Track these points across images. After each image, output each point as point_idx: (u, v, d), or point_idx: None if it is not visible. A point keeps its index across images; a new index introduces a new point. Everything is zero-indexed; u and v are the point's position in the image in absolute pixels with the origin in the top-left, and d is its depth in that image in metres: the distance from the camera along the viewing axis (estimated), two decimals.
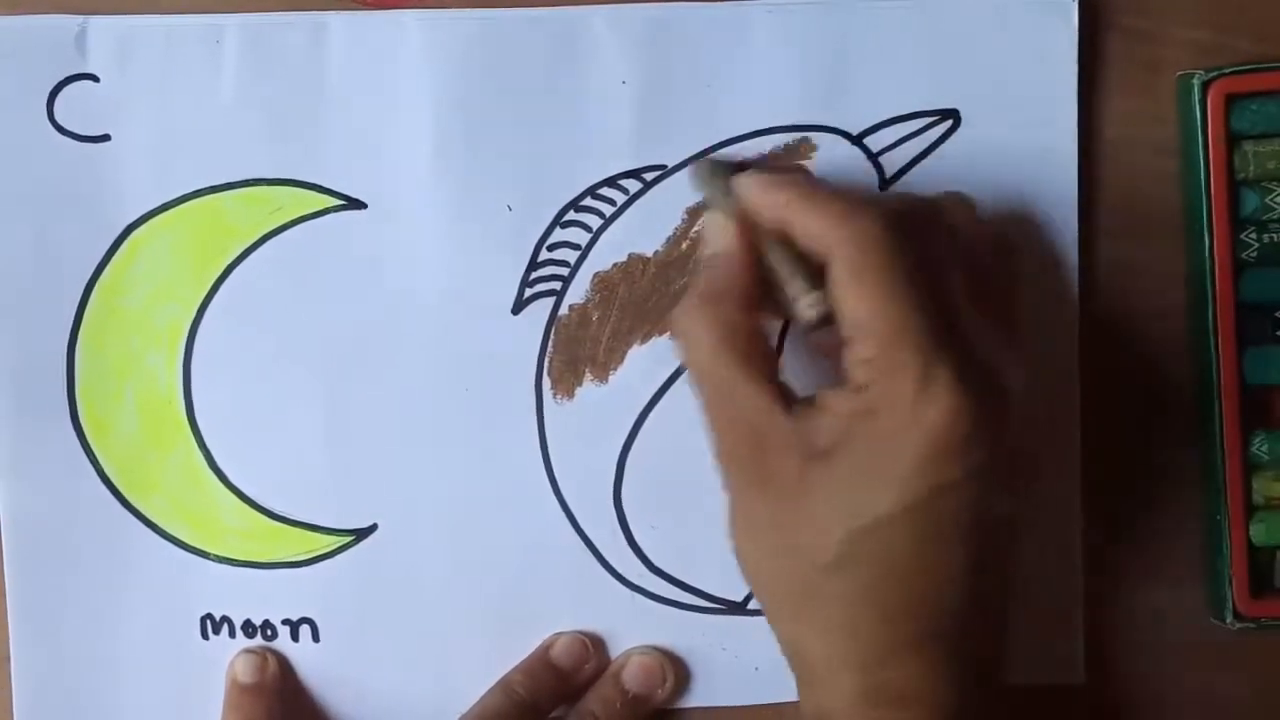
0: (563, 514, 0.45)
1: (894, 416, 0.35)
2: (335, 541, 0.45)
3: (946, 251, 0.38)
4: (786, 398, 0.37)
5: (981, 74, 0.44)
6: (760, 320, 0.38)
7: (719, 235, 0.38)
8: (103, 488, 0.44)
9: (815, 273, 0.37)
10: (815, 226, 0.36)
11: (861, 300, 0.35)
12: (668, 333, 0.44)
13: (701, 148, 0.44)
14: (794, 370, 0.42)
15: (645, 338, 0.44)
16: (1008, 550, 0.37)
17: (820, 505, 0.35)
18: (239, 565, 0.45)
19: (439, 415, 0.44)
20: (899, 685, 0.36)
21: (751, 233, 0.38)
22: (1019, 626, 0.38)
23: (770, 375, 0.37)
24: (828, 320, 0.36)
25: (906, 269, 0.35)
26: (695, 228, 0.44)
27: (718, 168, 0.39)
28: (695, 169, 0.41)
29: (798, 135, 0.44)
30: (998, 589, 0.37)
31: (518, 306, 0.44)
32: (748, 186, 0.38)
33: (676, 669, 0.45)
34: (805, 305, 0.36)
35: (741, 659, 0.45)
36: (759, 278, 0.38)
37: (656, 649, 0.45)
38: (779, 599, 0.38)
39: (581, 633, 0.45)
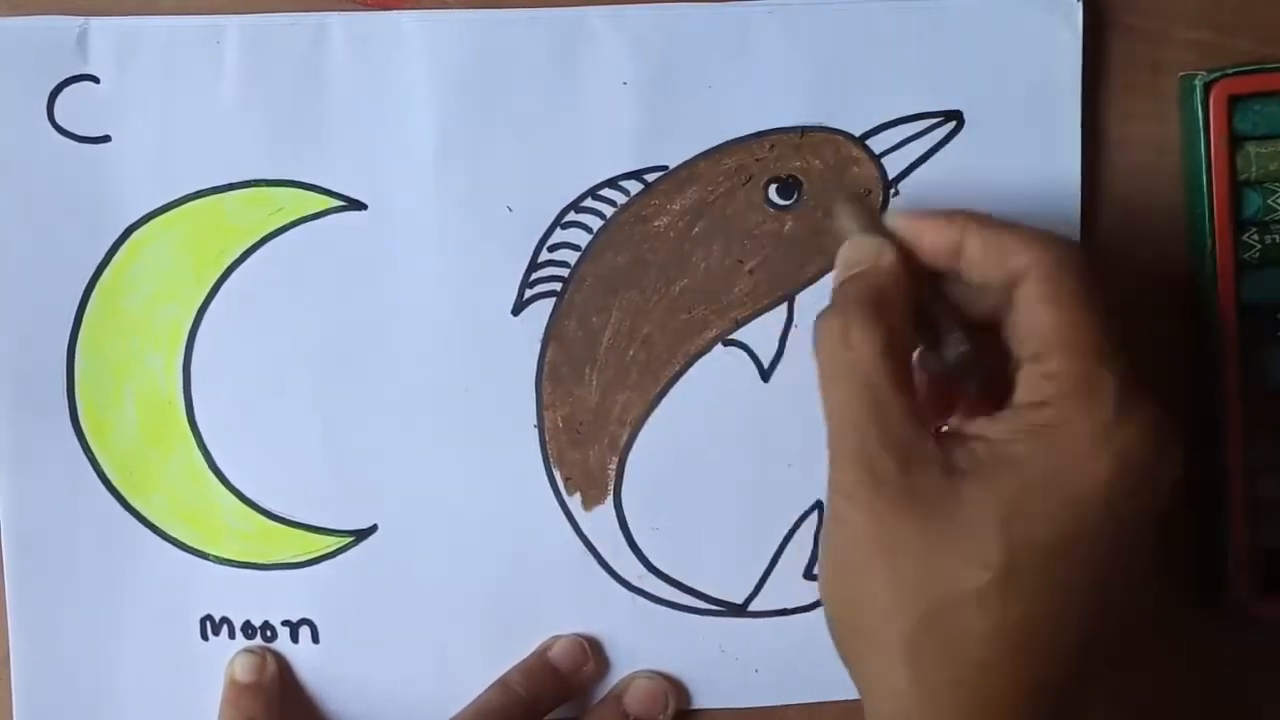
0: (563, 515, 0.45)
1: (1082, 433, 0.32)
2: (335, 542, 0.45)
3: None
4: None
5: (985, 75, 0.43)
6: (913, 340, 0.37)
7: (873, 254, 0.37)
8: (102, 488, 0.44)
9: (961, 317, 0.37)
10: (1005, 244, 0.35)
11: (1060, 313, 0.34)
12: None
13: (703, 148, 0.44)
14: None
15: (645, 339, 0.44)
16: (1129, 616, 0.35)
17: (978, 522, 0.32)
18: (239, 566, 0.45)
19: (439, 416, 0.44)
20: None
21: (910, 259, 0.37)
22: None
23: (915, 394, 0.35)
24: (970, 366, 0.36)
25: (1101, 297, 0.34)
26: (696, 228, 0.44)
27: (866, 203, 0.39)
28: (843, 205, 0.39)
29: (799, 136, 0.44)
30: (1114, 657, 0.34)
31: (518, 307, 0.44)
32: (912, 217, 0.37)
33: (679, 694, 0.45)
34: (957, 339, 0.36)
35: (742, 661, 0.45)
36: (917, 299, 0.37)
37: (660, 674, 0.45)
38: (892, 637, 0.33)
39: (581, 636, 0.45)
